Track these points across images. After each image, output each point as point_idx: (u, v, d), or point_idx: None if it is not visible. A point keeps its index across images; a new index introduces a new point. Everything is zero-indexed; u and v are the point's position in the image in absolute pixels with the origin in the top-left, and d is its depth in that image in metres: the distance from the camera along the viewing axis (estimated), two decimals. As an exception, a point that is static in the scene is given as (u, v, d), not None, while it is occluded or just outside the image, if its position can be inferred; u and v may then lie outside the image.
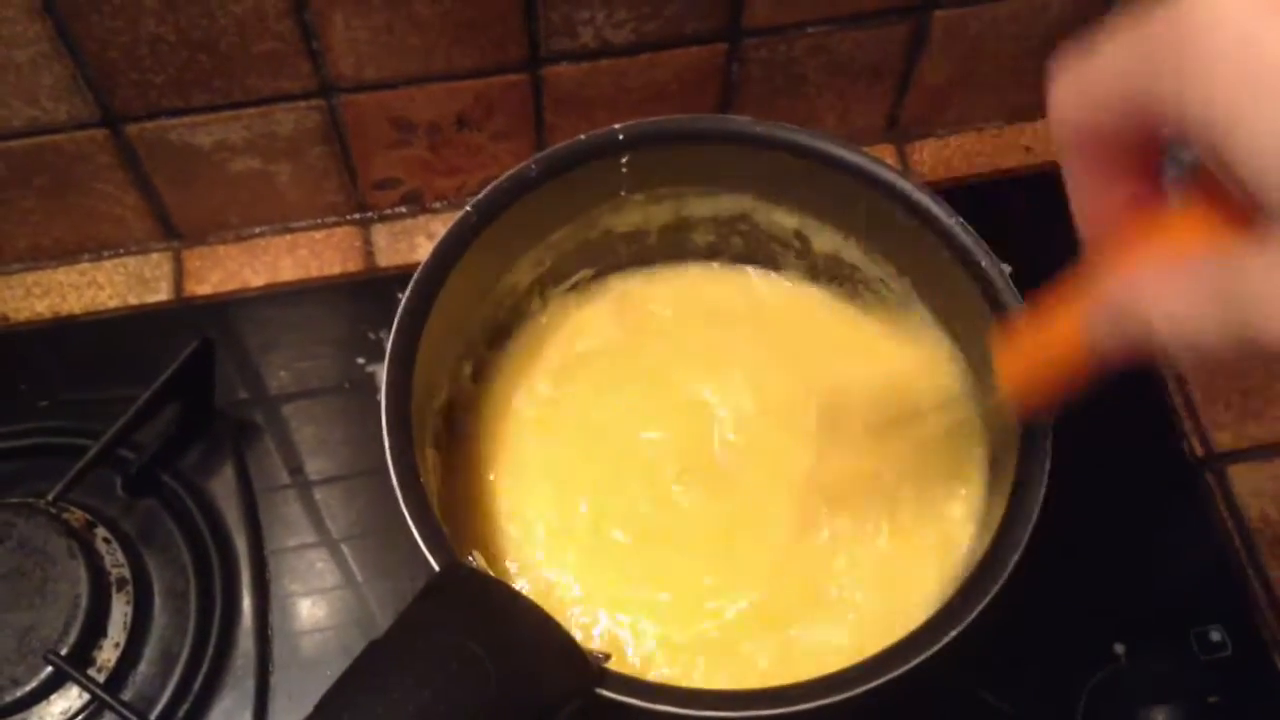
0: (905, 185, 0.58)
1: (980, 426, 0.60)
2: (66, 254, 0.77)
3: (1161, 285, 0.33)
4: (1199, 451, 0.72)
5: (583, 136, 0.58)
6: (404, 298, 0.54)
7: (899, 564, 0.59)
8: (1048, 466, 0.51)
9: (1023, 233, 0.59)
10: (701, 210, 0.65)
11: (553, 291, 0.67)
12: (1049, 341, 0.42)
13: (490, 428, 0.63)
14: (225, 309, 0.75)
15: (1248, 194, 0.29)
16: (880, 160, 0.59)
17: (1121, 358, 0.36)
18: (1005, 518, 0.50)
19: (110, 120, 0.67)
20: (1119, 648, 0.64)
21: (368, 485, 0.69)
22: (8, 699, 0.58)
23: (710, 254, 0.68)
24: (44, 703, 0.60)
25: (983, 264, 0.56)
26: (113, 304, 0.76)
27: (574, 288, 0.67)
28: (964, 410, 0.60)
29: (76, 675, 0.58)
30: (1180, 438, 0.72)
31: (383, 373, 0.53)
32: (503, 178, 0.57)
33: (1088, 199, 0.37)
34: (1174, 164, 0.37)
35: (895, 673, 0.45)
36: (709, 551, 0.59)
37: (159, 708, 0.61)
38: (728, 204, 0.64)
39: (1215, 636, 0.64)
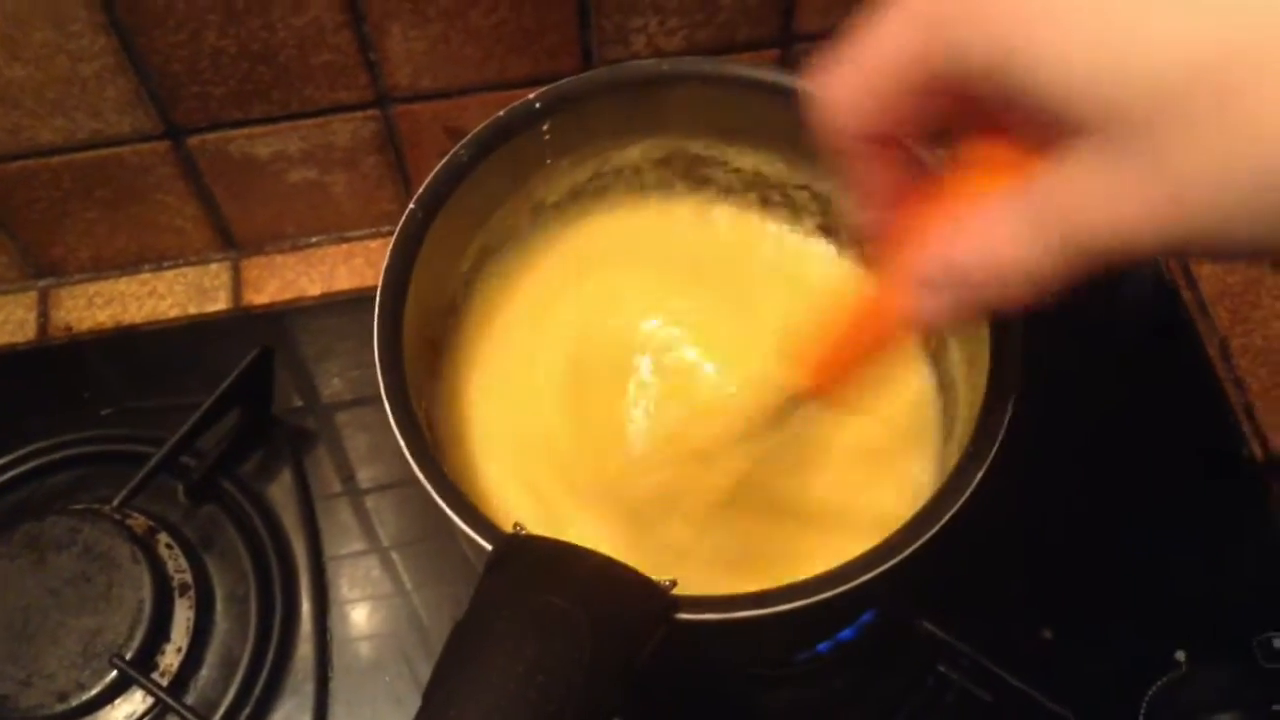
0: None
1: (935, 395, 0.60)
2: (128, 264, 0.78)
3: (978, 230, 0.33)
4: (1259, 456, 0.71)
5: (501, 113, 0.58)
6: (376, 304, 0.53)
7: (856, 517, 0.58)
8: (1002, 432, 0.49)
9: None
10: (627, 160, 0.64)
11: (494, 261, 0.65)
12: (855, 327, 0.41)
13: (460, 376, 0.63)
14: (282, 318, 0.76)
15: (1051, 116, 0.29)
16: (782, 68, 0.59)
17: (950, 319, 0.36)
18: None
19: (172, 132, 0.69)
20: (1180, 655, 0.63)
21: (421, 493, 0.70)
22: (74, 702, 0.59)
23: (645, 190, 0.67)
24: (109, 706, 0.61)
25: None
26: (173, 313, 0.77)
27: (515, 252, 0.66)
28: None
29: (141, 679, 0.59)
30: (1240, 442, 0.71)
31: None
32: (438, 167, 0.57)
33: (870, 190, 0.37)
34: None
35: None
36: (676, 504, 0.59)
37: (221, 711, 0.61)
38: (652, 149, 0.64)
39: (1278, 644, 0.64)
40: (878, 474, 0.59)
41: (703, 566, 0.56)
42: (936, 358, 0.60)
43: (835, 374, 0.43)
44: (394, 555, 0.68)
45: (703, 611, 0.45)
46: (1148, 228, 0.29)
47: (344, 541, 0.68)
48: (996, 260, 0.32)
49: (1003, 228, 0.32)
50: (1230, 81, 0.26)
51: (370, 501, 0.70)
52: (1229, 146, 0.26)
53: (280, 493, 0.69)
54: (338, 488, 0.70)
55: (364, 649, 0.65)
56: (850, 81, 0.35)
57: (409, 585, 0.67)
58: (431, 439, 0.53)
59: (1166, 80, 0.27)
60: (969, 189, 0.35)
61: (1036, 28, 0.29)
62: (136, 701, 0.61)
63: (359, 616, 0.66)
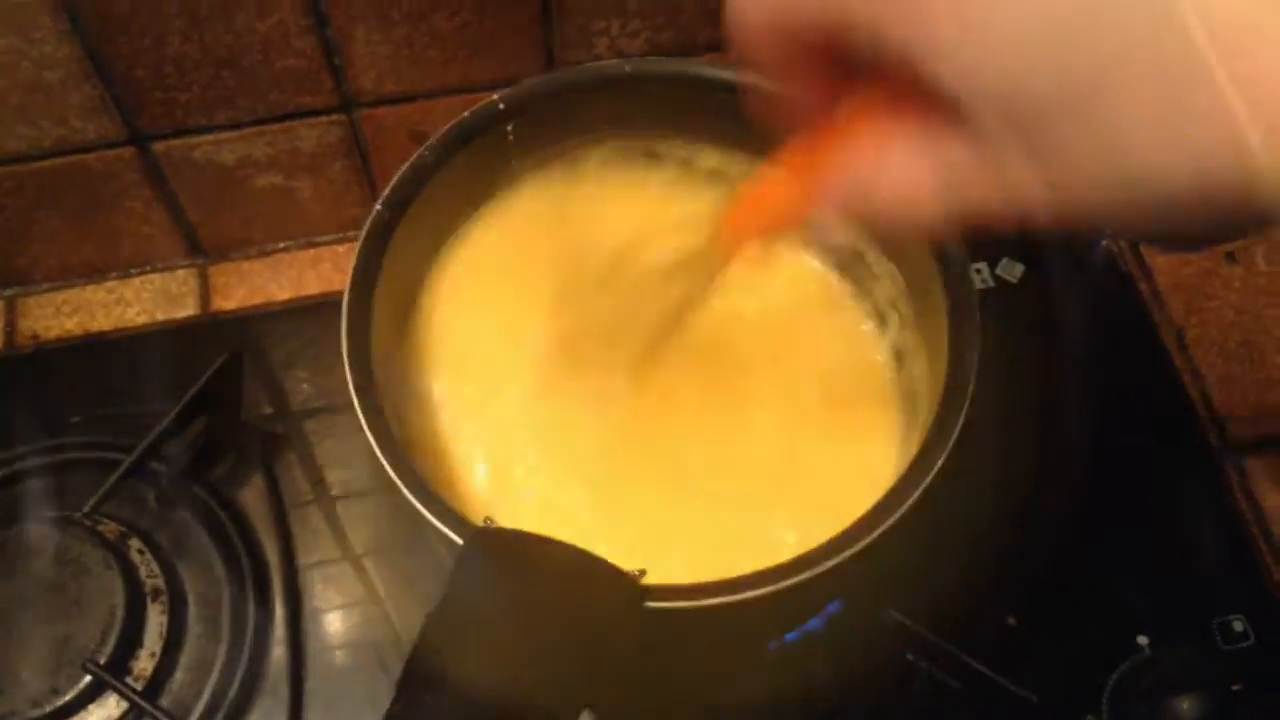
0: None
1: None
2: (95, 272, 0.78)
3: (883, 169, 0.36)
4: (1216, 443, 0.72)
5: (466, 113, 0.59)
6: (344, 302, 0.54)
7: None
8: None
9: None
10: (592, 160, 0.65)
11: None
12: (775, 199, 0.44)
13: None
14: (250, 323, 0.76)
15: (951, 102, 0.32)
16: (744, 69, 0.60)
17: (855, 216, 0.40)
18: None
19: (137, 139, 0.69)
20: (1142, 639, 0.64)
21: (391, 497, 0.70)
22: (48, 708, 0.59)
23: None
24: (83, 712, 0.61)
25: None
26: (141, 320, 0.77)
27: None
28: None
29: (116, 684, 0.59)
30: (1198, 429, 0.73)
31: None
32: (404, 168, 0.57)
33: (779, 104, 0.40)
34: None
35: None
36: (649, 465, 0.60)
37: (196, 715, 0.61)
38: (615, 150, 0.65)
39: (1238, 626, 0.65)
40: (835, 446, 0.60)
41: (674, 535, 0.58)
42: (899, 358, 0.61)
43: (743, 233, 0.47)
44: (366, 561, 0.69)
45: (672, 599, 0.46)
46: (1025, 206, 0.33)
47: (315, 547, 0.69)
48: (899, 196, 0.36)
49: (908, 168, 0.35)
50: (1095, 107, 0.30)
51: (340, 506, 0.70)
52: (1094, 158, 0.30)
53: (251, 497, 0.69)
54: (308, 493, 0.70)
55: (338, 651, 0.66)
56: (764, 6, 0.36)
57: (383, 590, 0.68)
58: (401, 437, 0.53)
59: (1055, 93, 0.30)
60: (875, 118, 0.37)
61: (963, 39, 0.31)
62: (111, 707, 0.61)
63: (332, 619, 0.67)
